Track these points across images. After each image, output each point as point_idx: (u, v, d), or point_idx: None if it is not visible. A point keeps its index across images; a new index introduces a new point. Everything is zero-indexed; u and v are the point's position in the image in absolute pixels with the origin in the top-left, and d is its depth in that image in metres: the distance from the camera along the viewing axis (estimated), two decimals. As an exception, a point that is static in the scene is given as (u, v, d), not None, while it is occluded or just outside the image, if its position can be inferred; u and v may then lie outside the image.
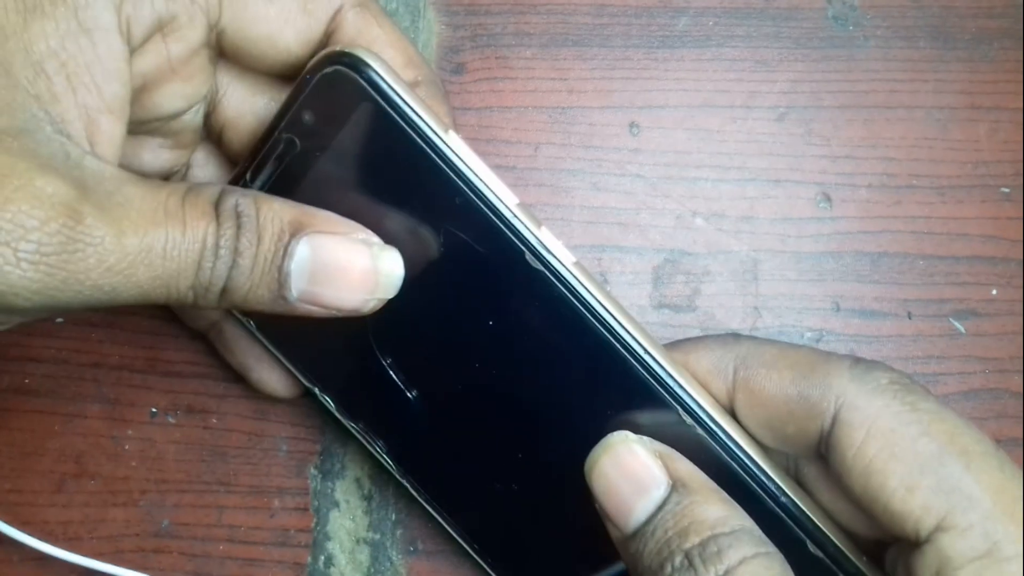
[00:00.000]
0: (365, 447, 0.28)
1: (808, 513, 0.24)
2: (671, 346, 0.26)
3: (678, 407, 0.24)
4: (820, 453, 0.23)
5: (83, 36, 0.20)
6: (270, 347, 0.27)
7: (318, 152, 0.25)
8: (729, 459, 0.24)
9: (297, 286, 0.23)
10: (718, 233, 0.32)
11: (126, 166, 0.24)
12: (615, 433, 0.24)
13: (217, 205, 0.22)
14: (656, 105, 0.33)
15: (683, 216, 0.32)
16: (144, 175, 0.25)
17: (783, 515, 0.24)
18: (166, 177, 0.26)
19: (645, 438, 0.24)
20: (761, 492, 0.24)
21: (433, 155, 0.24)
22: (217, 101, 0.26)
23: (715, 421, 0.24)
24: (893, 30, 0.34)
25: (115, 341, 0.31)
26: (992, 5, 0.34)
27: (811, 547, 0.24)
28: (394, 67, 0.24)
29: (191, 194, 0.22)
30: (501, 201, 0.24)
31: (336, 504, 0.31)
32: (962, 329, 0.32)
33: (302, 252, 0.23)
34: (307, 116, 0.24)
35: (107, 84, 0.21)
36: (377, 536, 0.31)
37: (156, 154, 0.25)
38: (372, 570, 0.31)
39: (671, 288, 0.32)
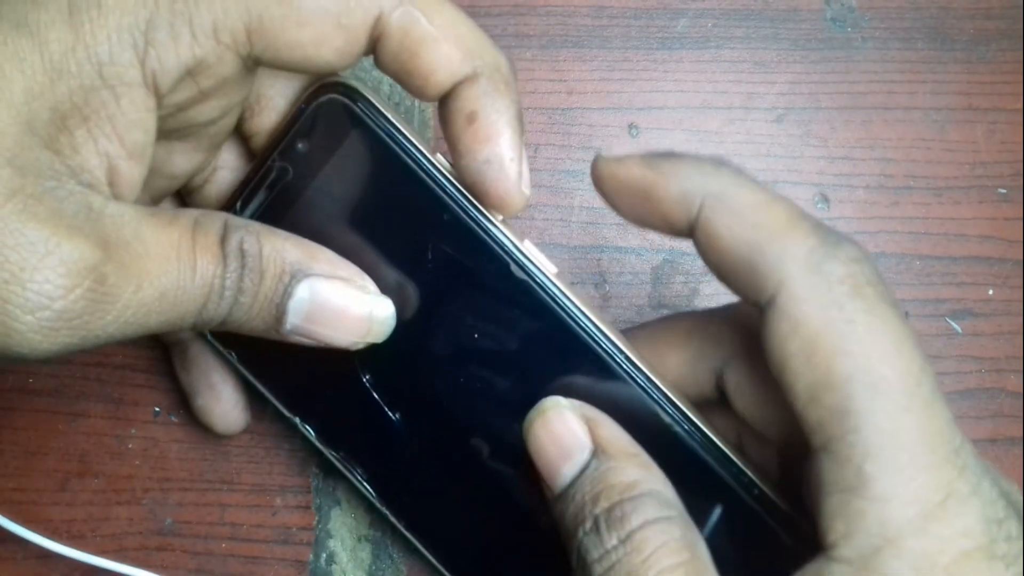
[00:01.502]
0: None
1: (738, 462, 0.24)
2: (647, 159, 0.24)
3: (647, 396, 0.25)
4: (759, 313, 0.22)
5: (106, 91, 0.20)
6: (252, 379, 0.27)
7: (311, 178, 0.25)
8: (673, 424, 0.25)
9: (292, 322, 0.23)
10: (716, 234, 0.33)
11: (158, 170, 0.24)
12: (548, 398, 0.24)
13: (223, 242, 0.22)
14: (655, 106, 0.33)
15: (682, 217, 0.33)
16: (173, 178, 0.25)
17: (716, 466, 0.24)
18: (194, 176, 0.26)
19: (576, 402, 0.24)
20: (695, 446, 0.25)
21: (423, 175, 0.25)
22: (254, 104, 0.26)
23: (686, 414, 0.25)
24: (891, 31, 0.34)
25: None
26: (990, 6, 0.34)
27: (743, 494, 0.24)
28: (451, 64, 0.23)
29: (199, 232, 0.22)
30: (486, 217, 0.25)
31: (338, 502, 0.31)
32: (959, 329, 0.32)
33: (301, 294, 0.23)
34: (301, 144, 0.25)
35: (128, 134, 0.21)
36: (378, 534, 0.31)
37: (188, 157, 0.25)
38: (373, 568, 0.31)
39: (670, 288, 0.32)
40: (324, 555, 0.31)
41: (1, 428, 0.31)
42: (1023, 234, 0.33)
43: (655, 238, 0.32)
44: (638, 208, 0.24)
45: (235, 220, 0.23)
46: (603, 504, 0.22)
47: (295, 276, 0.23)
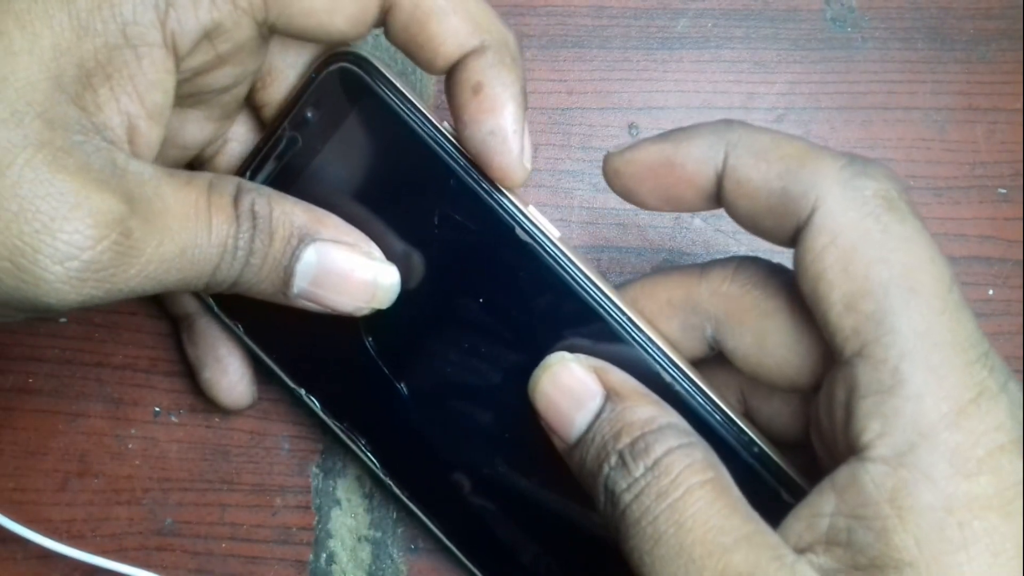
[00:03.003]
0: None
1: (738, 421, 0.25)
2: (661, 137, 0.25)
3: (650, 358, 0.25)
4: (793, 246, 0.23)
5: (128, 51, 0.21)
6: (258, 351, 0.28)
7: (320, 147, 0.26)
8: (683, 392, 0.25)
9: (299, 285, 0.24)
10: (716, 234, 0.33)
11: (171, 140, 0.25)
12: (552, 355, 0.25)
13: (236, 203, 0.23)
14: (655, 106, 0.33)
15: (681, 217, 0.33)
16: (186, 148, 0.26)
17: (717, 425, 0.25)
18: (205, 147, 0.27)
19: (580, 356, 0.25)
20: (696, 404, 0.25)
21: (431, 142, 0.25)
22: (265, 76, 0.26)
23: (690, 378, 0.25)
24: (891, 31, 0.34)
25: (118, 341, 0.31)
26: (990, 6, 0.34)
27: (743, 453, 0.25)
28: (459, 36, 0.24)
29: (214, 192, 0.23)
30: (492, 184, 0.25)
31: (338, 502, 0.31)
32: (959, 329, 0.32)
33: (309, 257, 0.24)
34: (310, 112, 0.26)
35: (149, 94, 0.22)
36: (378, 534, 0.31)
37: (201, 126, 0.26)
38: (373, 568, 0.31)
39: (670, 288, 0.32)
40: (324, 555, 0.31)
41: (1, 428, 0.31)
42: (1023, 234, 0.33)
43: (655, 238, 0.32)
44: (661, 185, 0.24)
45: (247, 183, 0.24)
46: (625, 440, 0.22)
47: (303, 240, 0.24)
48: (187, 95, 0.24)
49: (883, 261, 0.21)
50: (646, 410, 0.23)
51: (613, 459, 0.22)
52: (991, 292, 0.32)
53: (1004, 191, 0.33)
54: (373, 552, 0.31)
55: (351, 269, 0.25)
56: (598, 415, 0.23)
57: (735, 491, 0.21)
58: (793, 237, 0.22)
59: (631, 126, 0.33)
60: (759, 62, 0.34)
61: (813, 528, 0.21)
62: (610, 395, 0.24)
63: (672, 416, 0.23)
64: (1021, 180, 0.33)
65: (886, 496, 0.20)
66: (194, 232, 0.22)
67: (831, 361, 0.22)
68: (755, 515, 0.21)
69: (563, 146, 0.33)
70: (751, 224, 0.23)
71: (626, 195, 0.25)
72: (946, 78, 0.33)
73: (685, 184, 0.24)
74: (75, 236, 0.20)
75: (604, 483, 0.22)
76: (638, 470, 0.21)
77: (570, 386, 0.24)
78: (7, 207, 0.19)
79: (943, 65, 0.34)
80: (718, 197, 0.23)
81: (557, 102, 0.33)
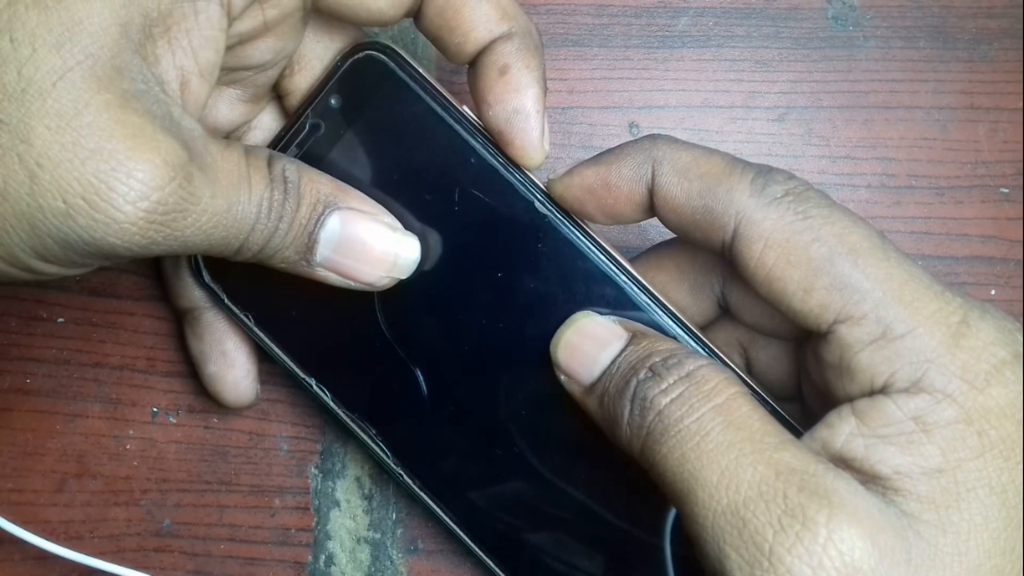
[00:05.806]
0: (365, 446, 0.28)
1: (750, 382, 0.25)
2: (594, 160, 0.26)
3: (666, 322, 0.26)
4: (727, 257, 0.24)
5: (188, 4, 0.22)
6: (268, 341, 0.28)
7: (344, 131, 0.27)
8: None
9: (322, 253, 0.25)
10: (718, 233, 0.32)
11: (202, 118, 0.25)
12: (576, 313, 0.26)
13: (269, 167, 0.24)
14: (656, 105, 0.33)
15: (683, 216, 0.32)
16: (216, 129, 0.27)
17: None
18: (230, 132, 0.28)
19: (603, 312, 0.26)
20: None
21: (457, 126, 0.26)
22: (295, 63, 0.27)
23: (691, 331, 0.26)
24: (893, 30, 0.34)
25: (116, 341, 0.31)
26: (992, 5, 0.34)
27: None
28: (490, 22, 0.25)
29: (252, 156, 0.23)
30: (513, 164, 0.26)
31: (337, 503, 0.31)
32: (961, 329, 0.32)
33: (332, 223, 0.25)
34: (336, 98, 0.27)
35: (203, 50, 0.22)
36: (378, 535, 0.31)
37: (232, 107, 0.27)
38: (372, 569, 0.31)
39: (671, 288, 0.32)
40: (323, 556, 0.31)
41: (-2, 429, 0.31)
42: (1025, 234, 0.33)
43: (656, 237, 0.32)
44: (602, 205, 0.25)
45: (277, 153, 0.25)
46: (655, 359, 0.23)
47: (328, 206, 0.25)
48: (227, 68, 0.24)
49: (816, 240, 0.22)
50: (672, 342, 0.24)
51: (643, 373, 0.23)
52: (993, 292, 0.32)
53: (1006, 191, 0.33)
54: (372, 553, 0.31)
55: (373, 237, 0.25)
56: (623, 350, 0.24)
57: (762, 409, 0.22)
58: (721, 249, 0.24)
59: (632, 125, 0.33)
60: (760, 61, 0.33)
61: (827, 447, 0.21)
62: (636, 335, 0.24)
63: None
64: (1023, 180, 0.33)
65: (910, 415, 0.21)
66: (237, 189, 0.22)
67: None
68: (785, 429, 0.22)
69: (564, 145, 0.33)
70: (683, 235, 0.25)
71: (575, 214, 0.26)
72: (948, 77, 0.33)
73: (623, 202, 0.25)
74: (148, 175, 0.20)
75: (632, 395, 0.23)
76: (672, 378, 0.22)
77: (595, 332, 0.25)
78: (84, 144, 0.19)
79: (945, 64, 0.33)
80: (651, 208, 0.25)
81: (558, 101, 0.33)
